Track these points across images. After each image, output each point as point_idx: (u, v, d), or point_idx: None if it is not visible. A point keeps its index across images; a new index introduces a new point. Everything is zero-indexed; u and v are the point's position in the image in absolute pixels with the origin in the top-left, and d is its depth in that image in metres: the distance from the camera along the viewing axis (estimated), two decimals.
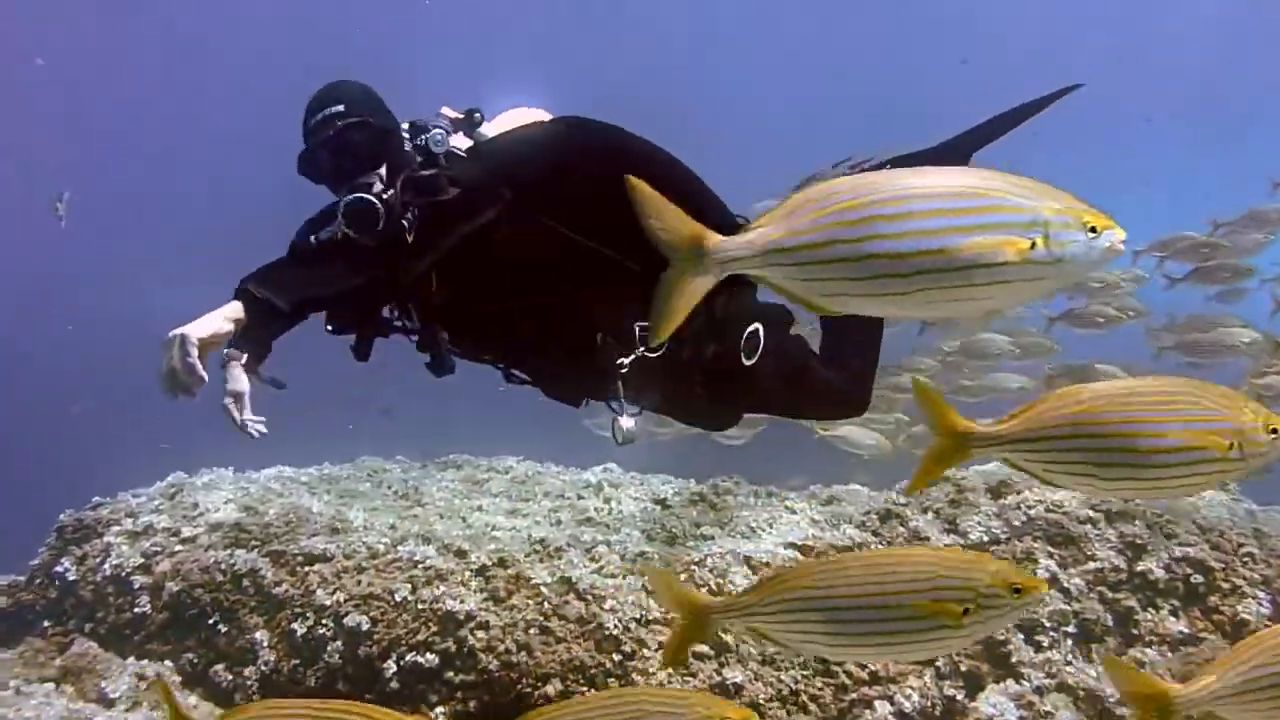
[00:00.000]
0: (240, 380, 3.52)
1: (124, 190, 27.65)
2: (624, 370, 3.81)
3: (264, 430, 3.50)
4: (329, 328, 3.74)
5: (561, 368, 3.93)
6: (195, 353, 3.22)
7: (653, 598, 5.19)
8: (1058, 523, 5.36)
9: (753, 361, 4.03)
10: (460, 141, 3.76)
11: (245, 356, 3.63)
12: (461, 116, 3.80)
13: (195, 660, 5.13)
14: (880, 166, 4.36)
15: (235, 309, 3.40)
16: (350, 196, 3.49)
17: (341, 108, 3.58)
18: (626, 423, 3.89)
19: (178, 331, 3.23)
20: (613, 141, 3.80)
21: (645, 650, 4.91)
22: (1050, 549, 5.26)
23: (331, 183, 3.64)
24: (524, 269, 3.67)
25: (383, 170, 3.58)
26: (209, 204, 27.73)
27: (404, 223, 3.49)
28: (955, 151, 4.25)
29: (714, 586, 5.24)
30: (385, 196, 3.51)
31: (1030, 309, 7.71)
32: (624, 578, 5.36)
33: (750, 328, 4.02)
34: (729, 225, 3.86)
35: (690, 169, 3.85)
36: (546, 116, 4.01)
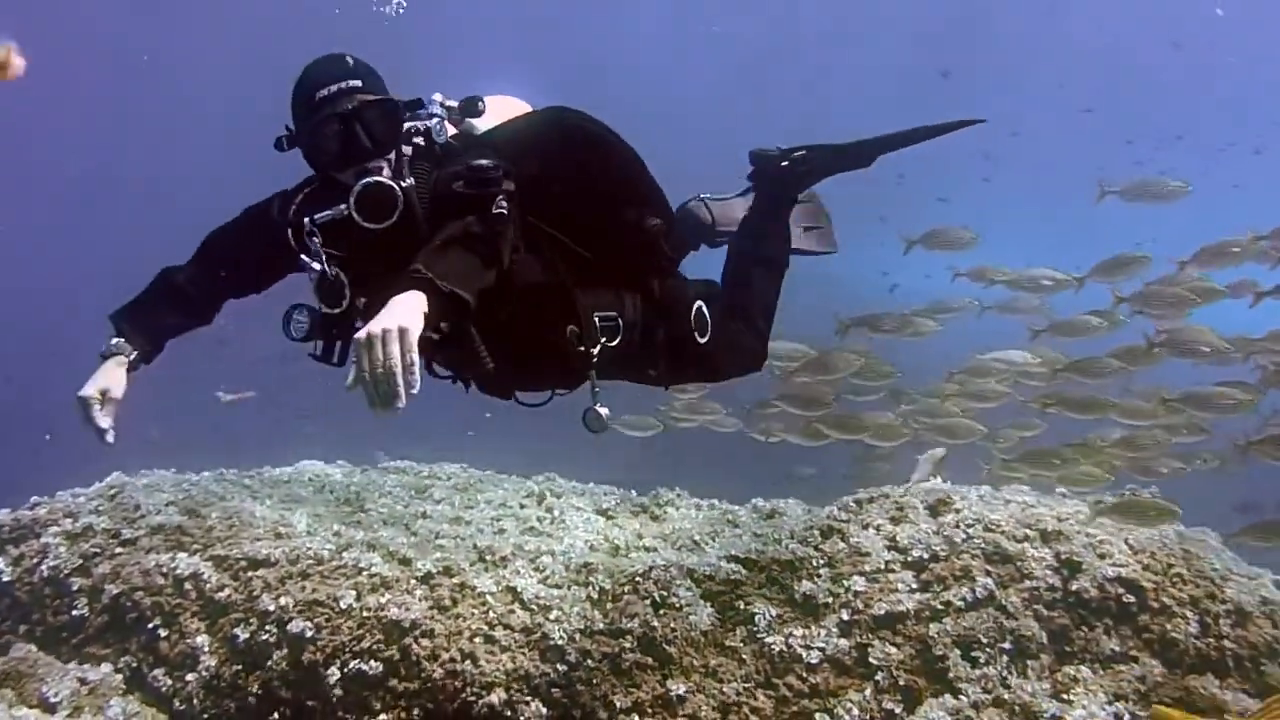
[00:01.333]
0: (119, 381, 3.52)
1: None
2: (595, 360, 3.87)
3: (111, 440, 3.48)
4: (293, 333, 3.72)
5: (539, 362, 3.92)
6: (415, 354, 2.80)
7: (595, 605, 5.23)
8: (995, 542, 5.46)
9: (706, 338, 4.18)
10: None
11: (134, 354, 3.63)
12: (456, 105, 3.75)
13: (134, 664, 5.07)
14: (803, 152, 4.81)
15: (421, 300, 2.98)
16: (369, 180, 3.42)
17: (359, 83, 3.50)
18: (603, 410, 3.95)
19: (390, 325, 2.79)
20: (592, 138, 3.87)
21: (589, 661, 4.95)
22: (988, 567, 5.35)
23: (333, 160, 3.51)
24: (516, 265, 3.67)
25: (391, 155, 3.52)
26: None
27: (502, 211, 3.37)
28: (863, 152, 4.76)
29: (658, 598, 5.28)
30: (404, 185, 3.46)
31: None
32: (568, 588, 5.40)
33: (695, 306, 4.17)
34: (669, 216, 4.09)
35: (643, 162, 3.98)
36: (526, 106, 4.04)
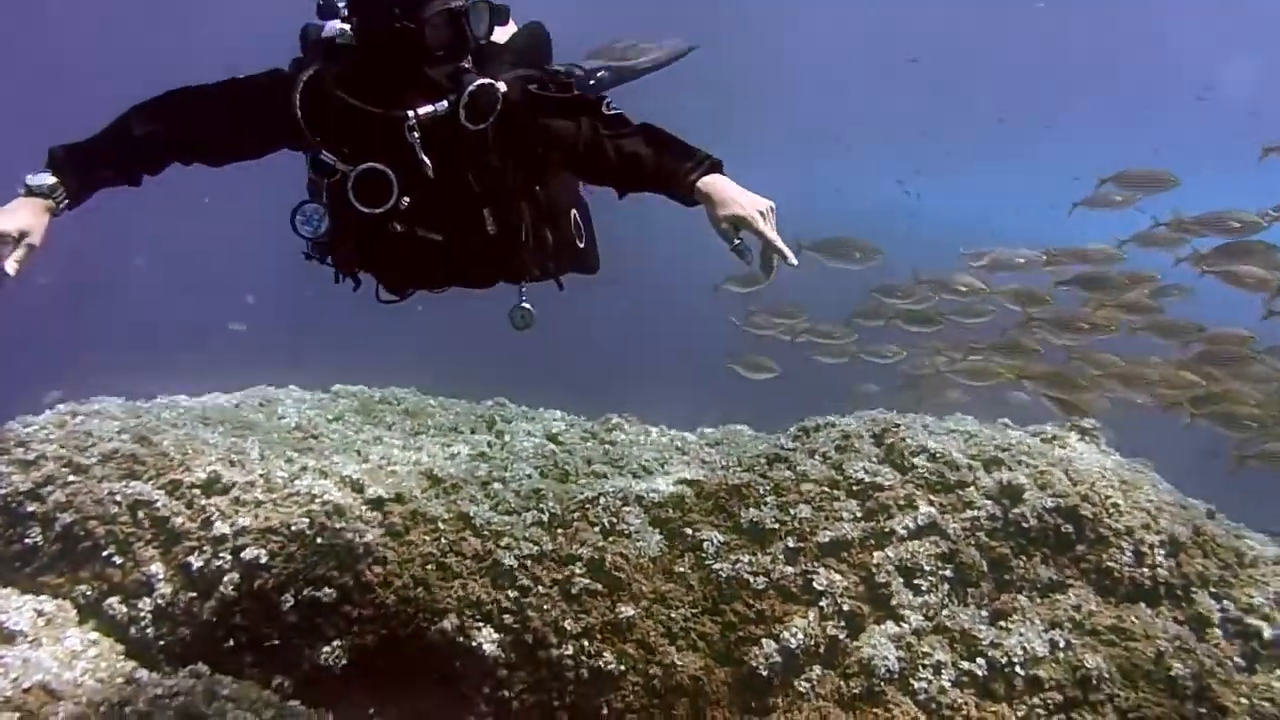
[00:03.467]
0: (41, 228, 3.29)
1: None
2: (520, 257, 4.05)
3: (10, 287, 3.23)
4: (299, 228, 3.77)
5: (473, 257, 4.03)
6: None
7: (546, 531, 5.31)
8: (938, 471, 5.57)
9: (584, 242, 4.38)
10: None
11: (65, 202, 3.45)
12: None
13: (89, 592, 5.08)
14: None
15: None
16: (483, 82, 3.51)
17: None
18: (528, 306, 4.15)
19: (768, 200, 3.26)
20: (549, 61, 4.15)
21: (540, 587, 5.03)
22: (931, 496, 5.46)
23: (433, 55, 3.53)
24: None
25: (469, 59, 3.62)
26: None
27: (620, 112, 3.62)
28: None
29: (607, 525, 5.36)
30: (502, 88, 3.57)
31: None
32: (519, 514, 5.46)
33: (571, 213, 4.33)
34: None
35: None
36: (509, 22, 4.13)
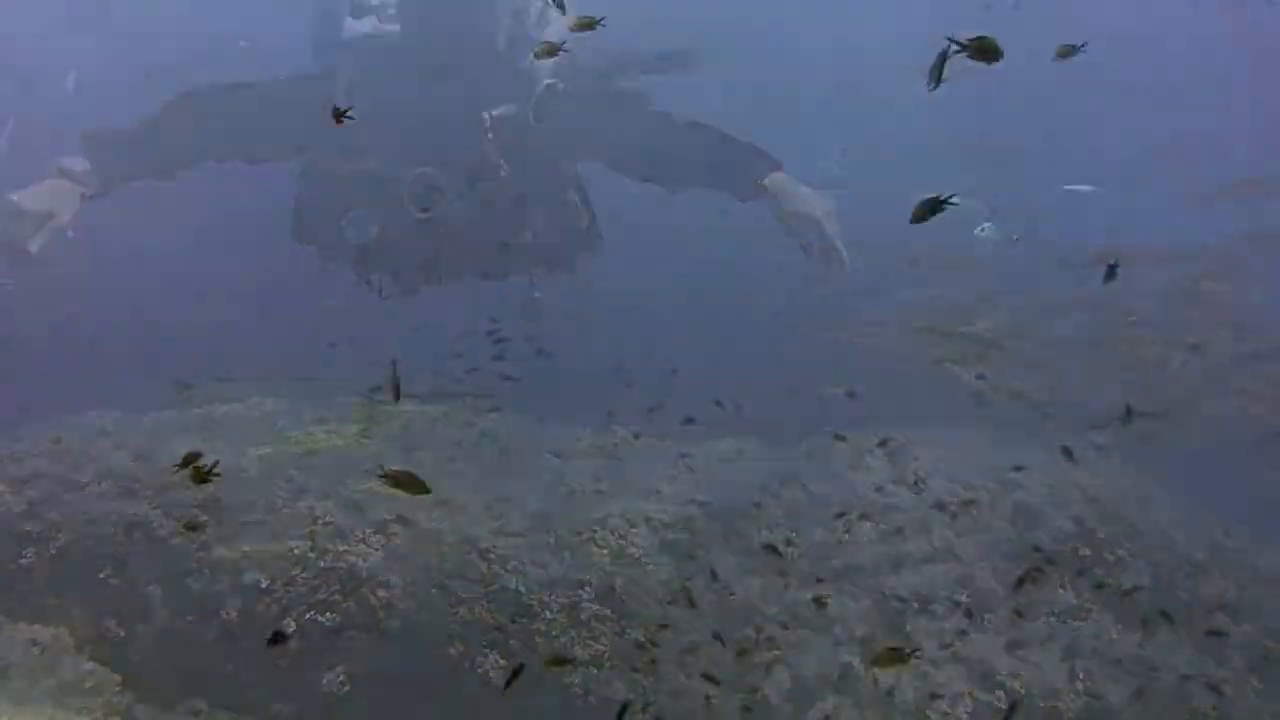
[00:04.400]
0: (72, 210, 3.21)
1: None
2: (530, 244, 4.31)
3: (32, 252, 3.14)
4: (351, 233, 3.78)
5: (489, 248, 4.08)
6: None
7: (553, 554, 5.21)
8: (954, 492, 5.48)
9: (586, 224, 4.55)
10: None
11: (94, 192, 3.37)
12: None
13: (86, 616, 4.95)
14: None
15: None
16: (551, 81, 3.70)
17: None
18: (538, 295, 4.22)
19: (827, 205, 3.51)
20: None
21: (547, 612, 4.92)
22: (946, 518, 5.38)
23: (490, 55, 3.68)
24: None
25: None
26: None
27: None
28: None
29: (616, 548, 5.26)
30: (560, 86, 3.77)
31: None
32: (526, 536, 5.36)
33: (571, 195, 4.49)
34: None
35: None
36: None
